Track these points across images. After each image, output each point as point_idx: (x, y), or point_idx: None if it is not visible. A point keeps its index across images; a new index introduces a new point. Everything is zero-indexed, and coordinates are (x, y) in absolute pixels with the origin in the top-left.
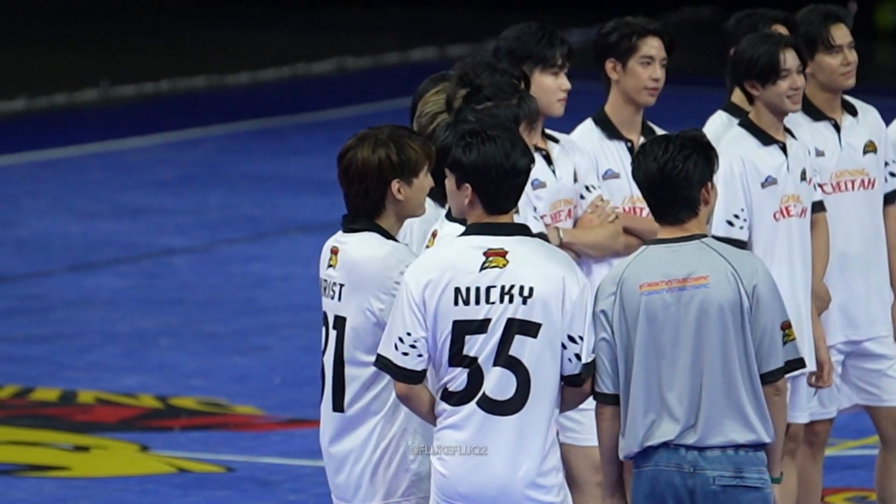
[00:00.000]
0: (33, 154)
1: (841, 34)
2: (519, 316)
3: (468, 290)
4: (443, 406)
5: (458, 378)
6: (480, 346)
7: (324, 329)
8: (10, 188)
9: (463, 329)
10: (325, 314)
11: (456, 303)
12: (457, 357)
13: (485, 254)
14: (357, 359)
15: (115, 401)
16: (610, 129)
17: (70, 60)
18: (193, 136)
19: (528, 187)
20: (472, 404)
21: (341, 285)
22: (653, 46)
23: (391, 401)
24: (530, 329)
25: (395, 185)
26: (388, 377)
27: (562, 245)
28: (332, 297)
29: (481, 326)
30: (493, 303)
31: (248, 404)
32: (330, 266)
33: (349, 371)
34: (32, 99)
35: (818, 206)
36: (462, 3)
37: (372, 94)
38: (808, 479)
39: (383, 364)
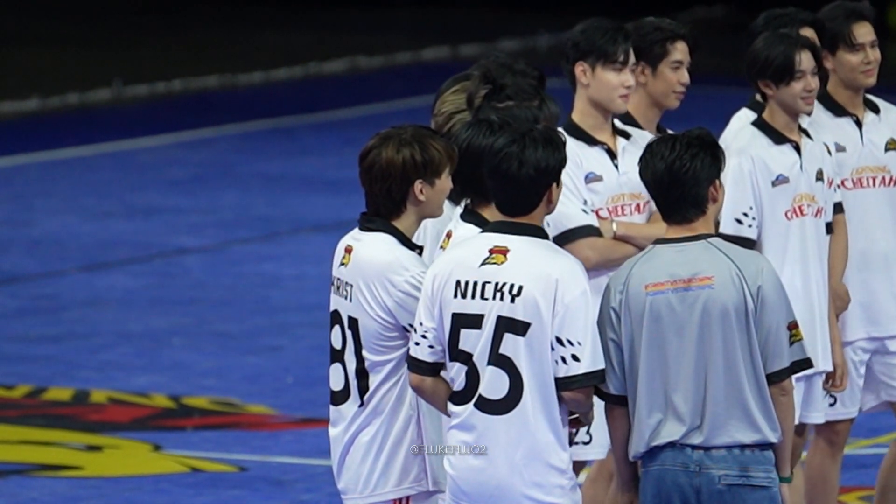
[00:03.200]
0: (46, 154)
1: (863, 32)
2: (506, 314)
3: (466, 283)
4: (450, 406)
5: (458, 375)
6: (474, 342)
7: (337, 326)
8: (22, 188)
9: (459, 322)
10: (336, 312)
11: (455, 295)
12: (454, 351)
13: (490, 250)
14: (371, 359)
15: (128, 400)
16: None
17: (82, 60)
18: (206, 136)
19: (579, 181)
20: (471, 404)
21: (351, 286)
22: (681, 51)
23: (398, 392)
24: (517, 327)
25: (417, 185)
26: (401, 372)
27: (615, 238)
28: (346, 298)
29: (475, 321)
30: (486, 299)
31: (260, 404)
32: (342, 265)
33: (369, 368)
34: (45, 99)
35: (838, 208)
36: (474, 2)
37: (384, 93)
38: (827, 478)
39: (406, 355)
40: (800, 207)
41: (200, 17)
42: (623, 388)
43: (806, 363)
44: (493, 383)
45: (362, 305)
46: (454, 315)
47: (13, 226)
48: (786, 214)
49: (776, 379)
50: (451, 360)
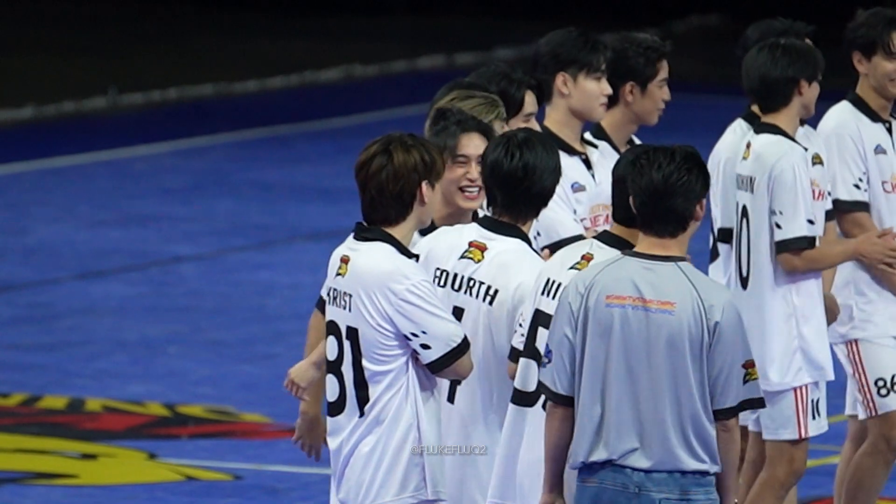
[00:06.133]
0: (41, 162)
1: None
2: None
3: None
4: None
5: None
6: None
7: (332, 337)
8: (18, 196)
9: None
10: (332, 322)
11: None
12: None
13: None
14: (371, 369)
15: (123, 408)
16: (610, 147)
17: (78, 68)
18: (201, 144)
19: (568, 190)
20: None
21: (350, 296)
22: (665, 68)
23: (399, 401)
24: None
25: (424, 186)
26: (402, 381)
27: None
28: (344, 308)
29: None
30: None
31: (255, 412)
32: (339, 275)
33: (369, 378)
34: (40, 107)
35: (828, 216)
36: (469, 11)
37: (379, 101)
38: (874, 480)
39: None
40: None
41: (196, 26)
42: (572, 388)
43: (758, 402)
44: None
45: (362, 315)
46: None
47: (8, 234)
48: None
49: (721, 416)
50: None
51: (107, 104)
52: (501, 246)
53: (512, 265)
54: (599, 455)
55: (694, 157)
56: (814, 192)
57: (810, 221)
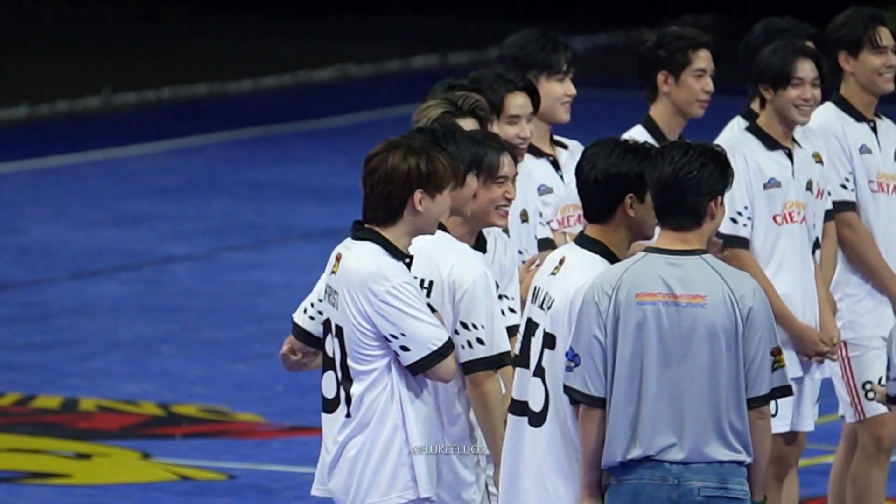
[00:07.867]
0: (35, 161)
1: (886, 36)
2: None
3: None
4: None
5: None
6: None
7: (329, 334)
8: (12, 196)
9: None
10: (328, 320)
11: None
12: None
13: None
14: (355, 368)
15: (117, 408)
16: (660, 138)
17: (72, 68)
18: (195, 144)
19: (534, 193)
20: None
21: (337, 294)
22: (704, 59)
23: (384, 402)
24: None
25: (417, 195)
26: (386, 381)
27: None
28: (334, 306)
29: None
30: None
31: (249, 412)
32: (332, 273)
33: (354, 377)
34: (34, 106)
35: (828, 216)
36: (463, 10)
37: (374, 101)
38: (871, 486)
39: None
40: (790, 214)
41: (190, 26)
42: (605, 390)
43: (786, 390)
44: None
45: (346, 313)
46: None
47: (2, 233)
48: (775, 219)
49: (755, 404)
50: None
51: (101, 104)
52: (423, 240)
53: (439, 256)
54: (635, 453)
55: (712, 152)
56: None
57: (733, 220)
